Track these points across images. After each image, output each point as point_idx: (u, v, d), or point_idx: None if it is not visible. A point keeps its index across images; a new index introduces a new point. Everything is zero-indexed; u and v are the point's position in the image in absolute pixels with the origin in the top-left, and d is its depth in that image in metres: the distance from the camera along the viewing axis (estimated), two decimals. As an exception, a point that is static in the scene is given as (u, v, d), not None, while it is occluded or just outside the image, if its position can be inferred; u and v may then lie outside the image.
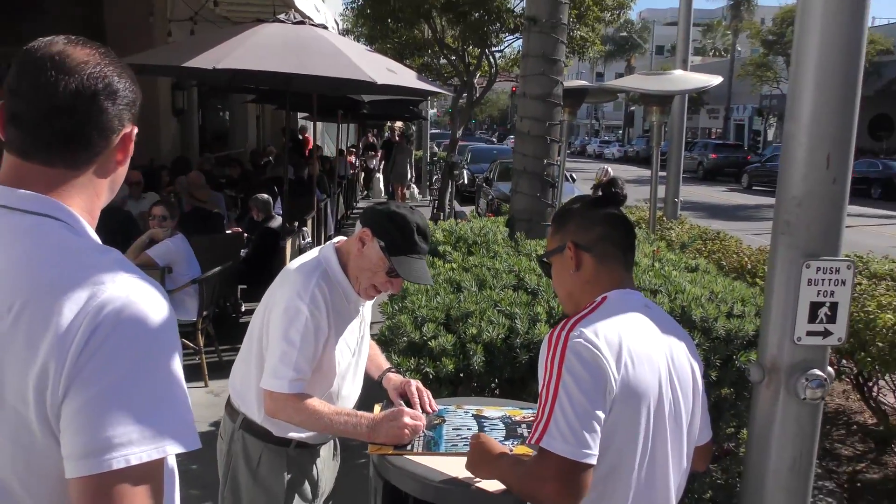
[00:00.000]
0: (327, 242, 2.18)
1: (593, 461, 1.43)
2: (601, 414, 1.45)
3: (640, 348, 1.52)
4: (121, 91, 1.06)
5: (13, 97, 1.02)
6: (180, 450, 0.94)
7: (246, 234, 6.94)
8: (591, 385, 1.45)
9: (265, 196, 7.09)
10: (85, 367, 0.91)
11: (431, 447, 1.96)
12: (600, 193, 1.73)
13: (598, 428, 1.44)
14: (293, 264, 2.11)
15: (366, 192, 18.52)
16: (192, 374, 5.30)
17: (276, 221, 6.79)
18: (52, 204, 1.03)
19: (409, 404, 2.20)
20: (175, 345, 1.00)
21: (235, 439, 2.15)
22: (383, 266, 2.01)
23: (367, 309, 2.25)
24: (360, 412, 2.02)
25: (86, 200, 1.07)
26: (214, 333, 5.64)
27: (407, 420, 1.94)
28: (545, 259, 1.79)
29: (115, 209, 6.33)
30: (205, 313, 5.37)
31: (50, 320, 0.92)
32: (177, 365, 1.00)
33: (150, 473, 0.92)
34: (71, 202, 1.04)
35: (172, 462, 1.16)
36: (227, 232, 6.93)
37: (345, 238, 2.18)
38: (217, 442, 2.27)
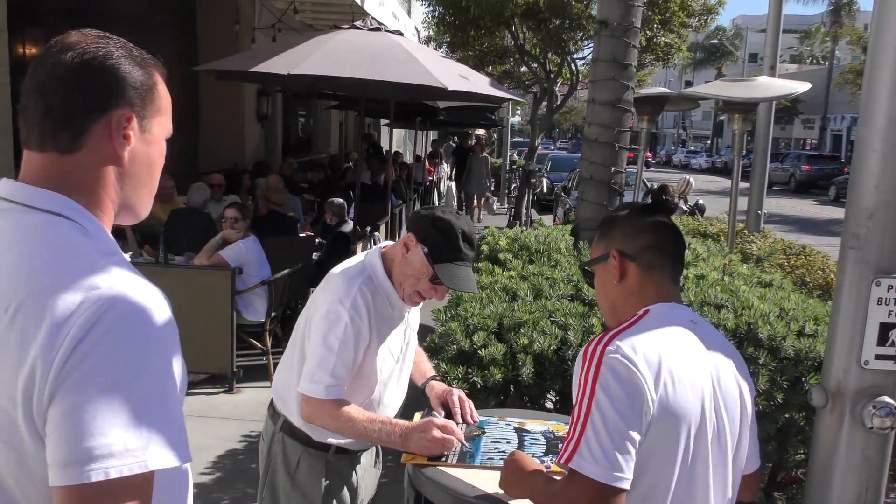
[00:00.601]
0: (374, 247, 2.15)
1: (626, 485, 1.35)
2: (636, 435, 1.36)
3: (681, 367, 1.42)
4: (108, 71, 1.03)
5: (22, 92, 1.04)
6: (166, 465, 0.90)
7: (319, 238, 7.05)
8: (626, 404, 1.36)
9: (339, 200, 7.18)
10: (72, 373, 0.88)
11: (466, 459, 1.90)
12: (649, 200, 1.63)
13: (632, 450, 1.35)
14: (337, 268, 2.09)
15: (445, 199, 18.60)
16: (259, 374, 5.42)
17: (349, 226, 6.86)
18: (64, 202, 1.01)
19: (451, 414, 2.15)
20: (171, 354, 0.97)
21: (276, 441, 2.15)
22: (427, 272, 1.97)
23: (413, 315, 2.21)
24: (395, 420, 1.98)
25: (91, 191, 1.04)
26: (283, 334, 5.72)
27: (435, 433, 1.89)
28: (588, 268, 1.70)
29: (195, 211, 6.56)
30: (273, 314, 5.46)
31: (42, 322, 0.90)
32: (171, 376, 0.96)
33: (134, 487, 0.88)
34: (76, 193, 1.03)
35: (186, 465, 1.15)
36: (301, 235, 7.06)
37: (392, 243, 2.14)
38: (259, 443, 2.27)
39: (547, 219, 15.19)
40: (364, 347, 1.97)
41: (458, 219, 2.00)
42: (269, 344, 5.41)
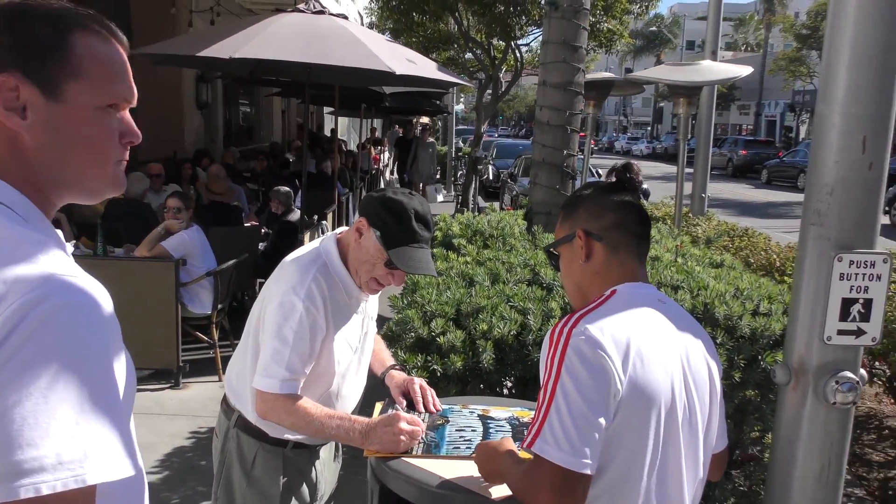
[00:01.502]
0: (329, 233, 2.08)
1: (589, 470, 1.32)
2: (602, 421, 1.33)
3: (650, 347, 1.40)
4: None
5: None
6: (106, 479, 0.81)
7: (265, 228, 6.90)
8: (591, 387, 1.34)
9: (286, 189, 7.04)
10: None
11: (432, 449, 1.85)
12: (613, 179, 1.60)
13: (596, 435, 1.33)
14: (290, 257, 2.02)
15: (390, 188, 18.41)
16: (206, 368, 5.28)
17: (296, 215, 6.73)
18: None
19: (412, 403, 2.09)
20: (113, 352, 0.88)
21: (230, 437, 2.07)
22: (381, 258, 1.90)
23: (371, 304, 2.15)
24: (354, 416, 1.92)
25: (11, 169, 0.93)
26: (230, 327, 5.59)
27: (403, 426, 1.83)
28: (553, 249, 1.66)
29: (134, 201, 6.33)
30: (220, 306, 5.32)
31: None
32: (112, 376, 0.87)
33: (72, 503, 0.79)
34: (3, 173, 0.93)
35: (140, 468, 1.06)
36: (246, 225, 6.89)
37: (347, 229, 2.07)
38: (213, 439, 2.18)
39: (493, 206, 15.25)
40: (320, 339, 1.91)
41: (411, 199, 1.93)
42: (216, 337, 5.27)
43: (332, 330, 1.94)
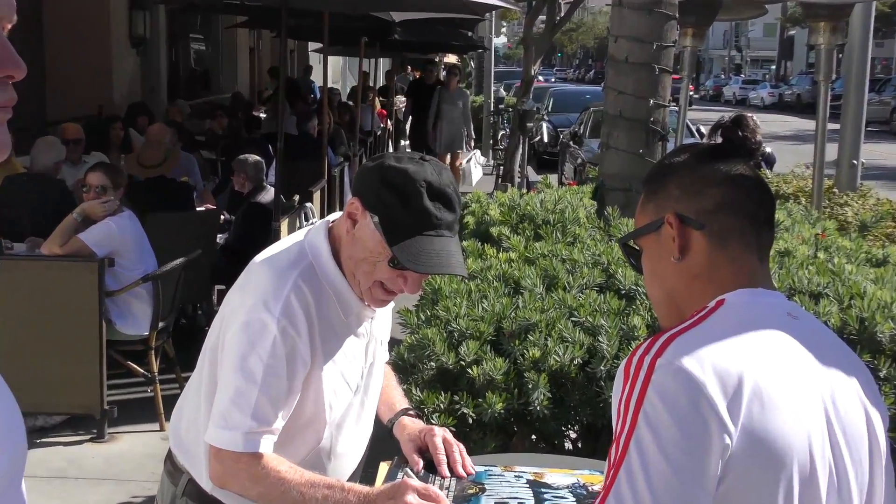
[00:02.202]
0: (319, 221, 2.06)
1: None
2: (696, 491, 1.29)
3: (775, 385, 1.34)
4: None
5: None
6: None
7: (226, 213, 6.93)
8: (681, 444, 1.29)
9: (255, 158, 7.05)
10: None
11: None
12: (719, 139, 1.54)
13: None
14: (263, 255, 2.01)
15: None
16: (143, 412, 5.29)
17: (269, 194, 6.74)
18: None
19: (432, 465, 2.06)
20: None
21: None
22: (385, 253, 1.87)
23: (379, 323, 2.13)
24: (349, 484, 1.89)
25: None
26: (176, 355, 5.60)
27: (411, 500, 1.78)
28: (632, 242, 1.61)
29: (42, 176, 6.39)
30: (161, 325, 5.34)
31: None
32: None
33: None
34: None
35: None
36: (199, 209, 6.93)
37: (339, 215, 2.06)
38: None
39: (549, 179, 15.20)
40: (302, 373, 1.90)
41: (422, 166, 1.89)
42: (155, 369, 5.28)
43: (322, 360, 1.92)
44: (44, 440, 4.97)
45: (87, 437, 5.08)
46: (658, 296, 1.59)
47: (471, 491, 2.00)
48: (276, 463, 1.86)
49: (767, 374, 1.35)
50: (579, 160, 13.83)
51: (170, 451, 2.12)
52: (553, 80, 41.72)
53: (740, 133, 1.52)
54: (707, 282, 1.49)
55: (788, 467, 1.33)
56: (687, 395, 1.30)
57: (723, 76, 65.53)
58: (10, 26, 1.00)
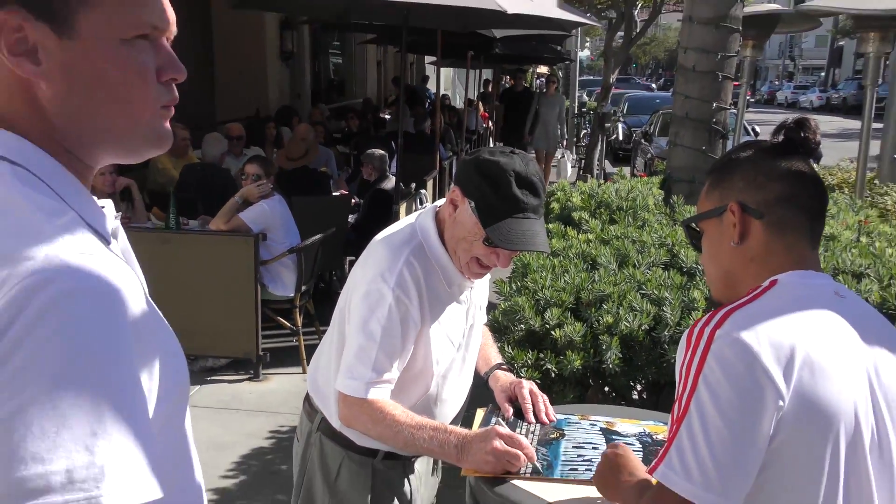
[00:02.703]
0: (427, 206, 2.04)
1: None
2: (750, 450, 1.24)
3: (824, 355, 1.27)
4: None
5: None
6: (127, 502, 0.77)
7: (356, 198, 6.98)
8: (737, 407, 1.24)
9: (380, 152, 7.08)
10: None
11: (544, 470, 1.79)
12: (782, 138, 1.46)
13: (739, 468, 1.24)
14: (381, 235, 2.01)
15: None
16: (289, 358, 5.41)
17: (391, 182, 6.77)
18: (2, 137, 0.89)
19: (521, 411, 2.04)
20: (130, 355, 0.83)
21: (312, 443, 2.09)
22: (480, 234, 1.85)
23: (478, 291, 2.11)
24: (451, 427, 1.88)
25: (26, 123, 0.91)
26: (315, 312, 5.70)
27: (497, 444, 1.77)
28: (695, 225, 1.54)
29: (211, 166, 6.55)
30: (304, 288, 5.42)
31: None
32: (134, 385, 0.83)
33: None
34: (11, 117, 0.91)
35: (200, 478, 1.05)
36: (335, 194, 7.00)
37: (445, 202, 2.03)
38: (293, 443, 2.21)
39: (623, 171, 14.89)
40: (414, 334, 1.89)
41: (511, 158, 1.85)
42: (299, 323, 5.38)
43: (430, 323, 1.91)
44: (212, 378, 5.14)
45: (246, 376, 5.22)
46: (715, 274, 1.53)
47: (552, 436, 1.97)
48: (391, 408, 1.86)
49: (817, 345, 1.28)
50: (649, 155, 13.49)
51: (307, 394, 2.14)
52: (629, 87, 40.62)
53: (802, 134, 1.43)
54: (761, 265, 1.42)
55: (835, 428, 1.27)
56: (742, 362, 1.25)
57: (776, 82, 62.89)
58: (171, 37, 1.01)
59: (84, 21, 0.89)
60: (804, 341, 1.27)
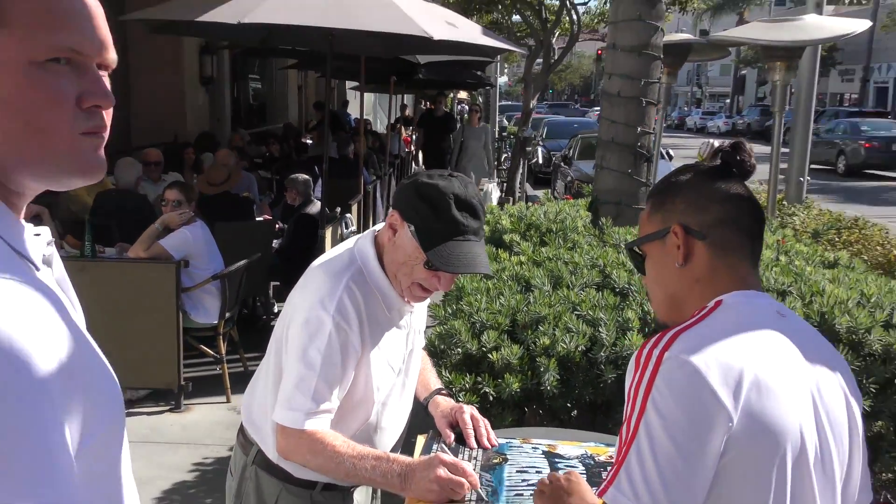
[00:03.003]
0: (366, 231, 2.01)
1: None
2: (697, 469, 1.23)
3: (770, 375, 1.28)
4: None
5: None
6: None
7: (280, 223, 6.88)
8: (685, 428, 1.23)
9: (304, 176, 7.00)
10: None
11: (488, 496, 1.75)
12: (719, 162, 1.48)
13: (689, 488, 1.23)
14: (320, 260, 1.96)
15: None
16: (213, 387, 5.25)
17: (316, 206, 6.69)
18: None
19: (462, 438, 2.00)
20: (50, 392, 0.78)
21: (247, 477, 2.01)
22: (420, 257, 1.82)
23: (417, 316, 2.08)
24: (393, 456, 1.83)
25: None
26: (240, 339, 5.56)
27: (441, 473, 1.73)
28: (638, 248, 1.54)
29: (127, 192, 6.35)
30: (228, 315, 5.29)
31: None
32: (58, 424, 0.79)
33: None
34: None
35: None
36: (258, 219, 6.88)
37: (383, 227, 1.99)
38: (227, 478, 2.13)
39: (548, 194, 15.08)
40: (354, 362, 1.84)
41: (449, 181, 1.83)
42: (223, 351, 5.24)
43: (370, 349, 1.87)
44: (130, 411, 4.92)
45: (167, 408, 5.04)
46: (660, 296, 1.52)
47: (495, 461, 1.93)
48: (331, 438, 1.81)
49: (764, 365, 1.28)
50: (569, 178, 13.73)
51: (242, 426, 2.06)
52: (545, 111, 41.39)
53: (738, 157, 1.45)
54: (706, 286, 1.43)
55: (782, 446, 1.27)
56: (691, 384, 1.24)
57: (686, 108, 65.11)
58: (110, 64, 0.97)
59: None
60: (751, 362, 1.27)
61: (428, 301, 2.06)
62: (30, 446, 0.75)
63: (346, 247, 1.95)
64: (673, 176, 1.54)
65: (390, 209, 1.91)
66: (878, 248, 5.55)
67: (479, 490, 1.76)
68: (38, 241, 0.94)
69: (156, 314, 4.89)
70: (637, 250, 1.55)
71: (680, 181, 1.50)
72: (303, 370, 1.79)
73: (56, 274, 0.97)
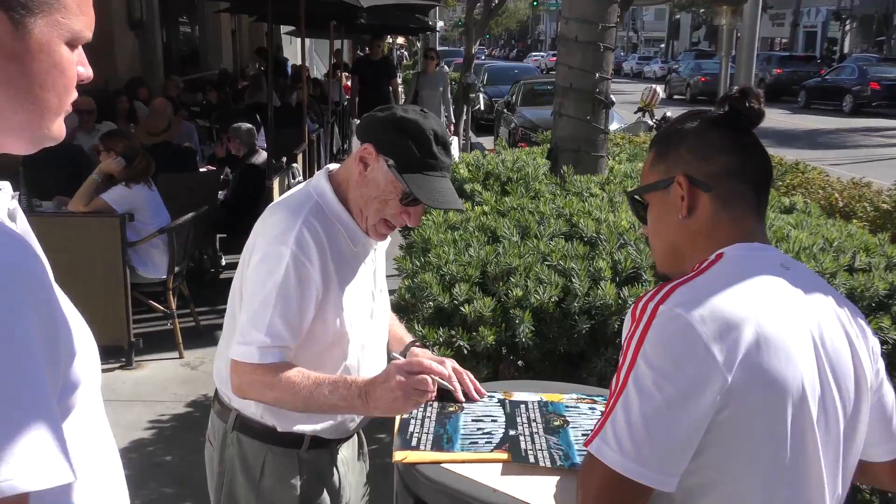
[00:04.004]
0: (317, 172, 1.95)
1: (656, 485, 1.22)
2: (685, 423, 1.22)
3: (770, 328, 1.26)
4: None
5: None
6: (37, 487, 0.77)
7: (225, 173, 6.71)
8: (674, 380, 1.22)
9: (247, 125, 6.83)
10: None
11: (443, 444, 1.72)
12: (726, 109, 1.44)
13: (676, 443, 1.22)
14: (274, 202, 1.92)
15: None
16: (165, 342, 5.15)
17: (261, 157, 6.54)
18: None
19: (445, 394, 1.97)
20: (30, 334, 0.82)
21: (229, 443, 1.95)
22: (395, 192, 1.79)
23: (379, 253, 2.03)
24: (350, 378, 1.78)
25: None
26: (189, 294, 5.45)
27: (400, 378, 1.69)
28: (639, 197, 1.51)
29: (62, 144, 6.09)
30: (177, 269, 5.17)
31: None
32: (32, 363, 0.81)
33: None
34: None
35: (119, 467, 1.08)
36: (202, 170, 6.69)
37: (337, 165, 1.96)
38: (205, 448, 2.07)
39: (487, 141, 15.02)
40: (314, 296, 1.79)
41: (426, 117, 1.82)
42: (173, 306, 5.13)
43: (337, 285, 1.83)
44: (78, 370, 4.82)
45: (118, 365, 4.95)
46: (660, 246, 1.50)
47: (451, 409, 1.89)
48: (286, 370, 1.76)
49: (763, 318, 1.27)
50: (513, 125, 13.67)
51: (216, 393, 2.00)
52: (483, 57, 41.07)
53: (747, 103, 1.41)
54: (708, 238, 1.40)
55: (784, 399, 1.26)
56: (684, 337, 1.23)
57: (622, 53, 65.37)
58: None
59: (39, 18, 0.93)
60: (750, 315, 1.26)
61: (385, 250, 2.04)
62: (14, 374, 0.79)
63: (301, 188, 1.90)
64: (678, 123, 1.50)
65: (361, 143, 1.85)
66: (820, 191, 5.67)
67: (444, 382, 1.80)
68: (2, 195, 0.97)
69: (102, 270, 4.75)
70: (639, 199, 1.52)
71: (685, 129, 1.45)
72: (257, 305, 1.75)
73: (20, 227, 1.00)
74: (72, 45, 0.98)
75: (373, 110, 1.89)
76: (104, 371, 4.93)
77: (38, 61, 0.94)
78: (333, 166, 1.94)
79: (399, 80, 15.14)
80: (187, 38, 15.53)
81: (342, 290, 1.84)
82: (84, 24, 0.98)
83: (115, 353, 4.97)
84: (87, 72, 1.01)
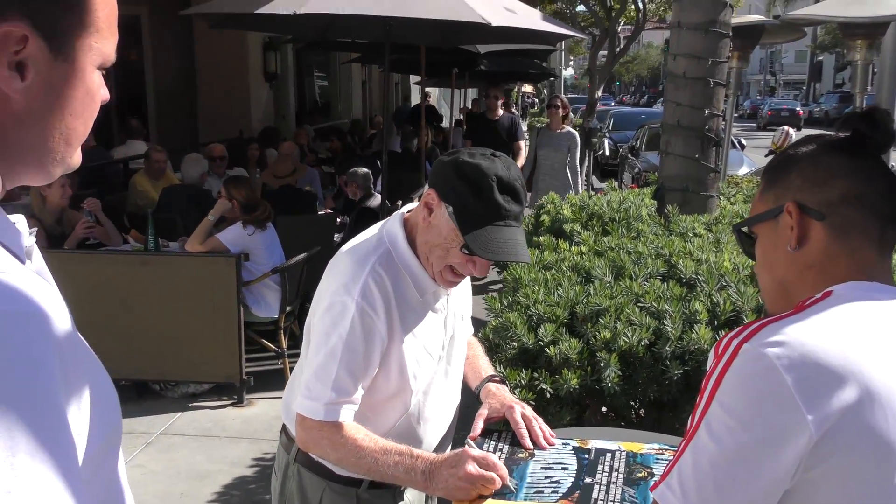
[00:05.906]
0: (395, 213, 1.90)
1: None
2: (758, 476, 1.08)
3: (877, 379, 1.08)
4: None
5: None
6: None
7: (341, 217, 6.86)
8: (752, 426, 1.08)
9: (364, 169, 6.99)
10: None
11: (506, 495, 1.65)
12: (849, 133, 1.25)
13: (746, 497, 1.10)
14: (347, 245, 1.87)
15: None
16: (274, 382, 5.24)
17: (376, 199, 6.65)
18: None
19: (516, 440, 1.88)
20: (55, 386, 0.74)
21: (290, 475, 1.94)
22: (457, 241, 1.71)
23: (457, 299, 1.96)
24: (417, 451, 1.73)
25: None
26: (300, 333, 5.51)
27: (470, 469, 1.62)
28: (747, 229, 1.36)
29: (192, 187, 6.42)
30: (289, 309, 5.27)
31: None
32: (55, 416, 0.73)
33: None
34: None
35: None
36: (320, 213, 6.87)
37: (415, 205, 1.89)
38: (272, 478, 2.07)
39: (612, 183, 14.78)
40: (380, 349, 1.75)
41: (493, 161, 1.72)
42: (284, 345, 5.23)
43: (402, 335, 1.77)
44: (193, 404, 4.96)
45: (229, 402, 5.05)
46: (768, 283, 1.32)
47: (521, 455, 1.81)
48: (353, 431, 1.72)
49: (869, 367, 1.08)
50: (636, 169, 13.42)
51: (283, 425, 2.00)
52: (613, 103, 40.74)
53: (875, 122, 1.25)
54: (820, 273, 1.22)
55: (891, 465, 1.09)
56: (765, 380, 1.08)
57: (758, 97, 63.33)
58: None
59: (78, 45, 0.89)
60: (853, 365, 1.08)
61: (468, 284, 1.97)
62: (36, 425, 0.71)
63: (374, 231, 1.86)
64: (792, 148, 1.35)
65: (428, 187, 1.80)
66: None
67: (509, 482, 1.67)
68: (21, 231, 0.91)
69: (218, 308, 4.89)
70: (746, 232, 1.39)
71: (798, 154, 1.29)
72: (323, 358, 1.71)
73: (36, 265, 0.94)
74: (101, 68, 0.94)
75: (442, 155, 1.84)
76: (216, 408, 5.05)
77: (74, 88, 0.90)
78: (409, 207, 1.90)
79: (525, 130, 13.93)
80: (320, 89, 16.18)
81: (407, 340, 1.79)
82: (113, 46, 0.96)
83: (227, 390, 5.10)
84: (106, 94, 0.99)
